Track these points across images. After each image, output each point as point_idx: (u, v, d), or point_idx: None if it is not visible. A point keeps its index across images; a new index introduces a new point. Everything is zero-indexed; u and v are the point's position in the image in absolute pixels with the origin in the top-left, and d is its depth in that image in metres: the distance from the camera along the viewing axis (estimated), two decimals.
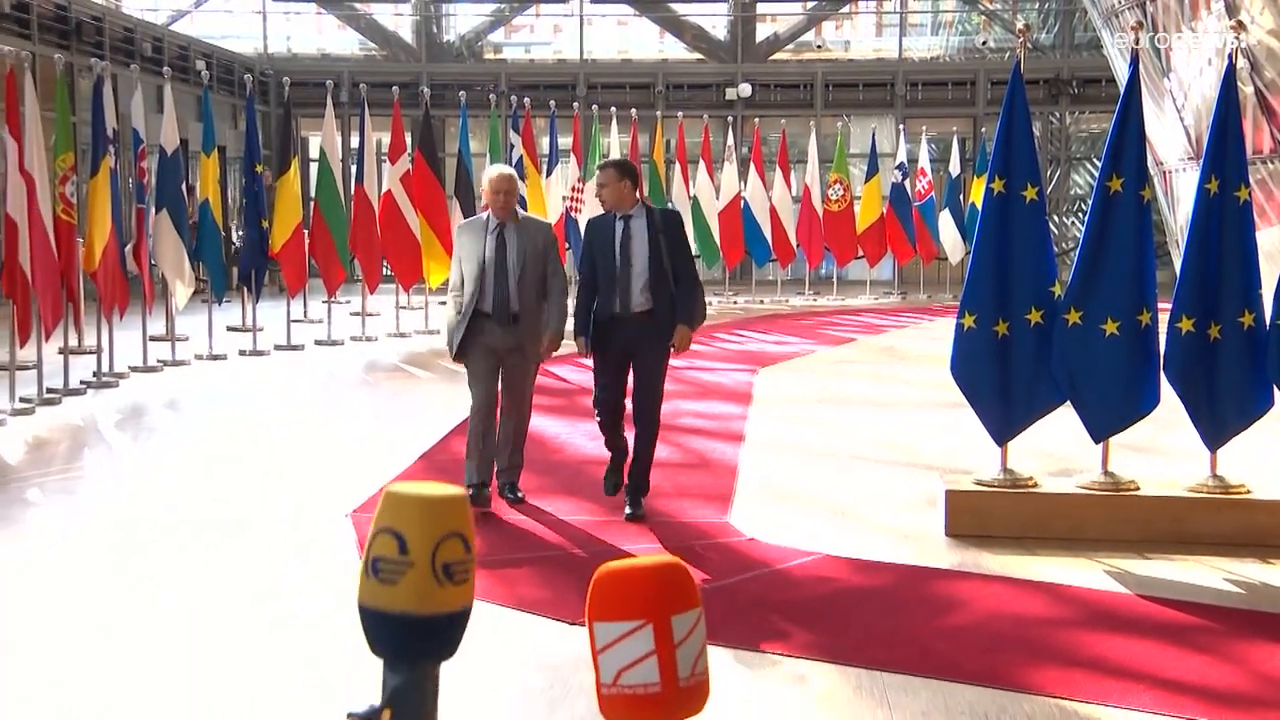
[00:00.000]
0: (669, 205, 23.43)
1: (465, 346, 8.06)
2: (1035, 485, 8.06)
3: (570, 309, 8.20)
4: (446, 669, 2.48)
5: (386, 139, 18.06)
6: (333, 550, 7.50)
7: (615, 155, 21.96)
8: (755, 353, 17.07)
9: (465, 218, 18.52)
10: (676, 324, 7.89)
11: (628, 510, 8.02)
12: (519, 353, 8.12)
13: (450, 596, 3.03)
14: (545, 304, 8.14)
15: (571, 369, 13.88)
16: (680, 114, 24.53)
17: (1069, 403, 7.97)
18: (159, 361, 15.18)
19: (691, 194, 23.37)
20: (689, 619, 3.10)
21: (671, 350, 7.98)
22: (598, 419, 8.20)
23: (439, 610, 3.00)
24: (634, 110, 24.04)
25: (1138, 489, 7.99)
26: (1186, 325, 7.89)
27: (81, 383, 13.40)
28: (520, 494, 8.39)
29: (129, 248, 14.58)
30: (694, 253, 8.37)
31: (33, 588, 6.86)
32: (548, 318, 8.14)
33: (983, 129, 29.22)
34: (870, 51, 33.61)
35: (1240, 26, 9.41)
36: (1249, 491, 7.91)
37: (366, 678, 5.03)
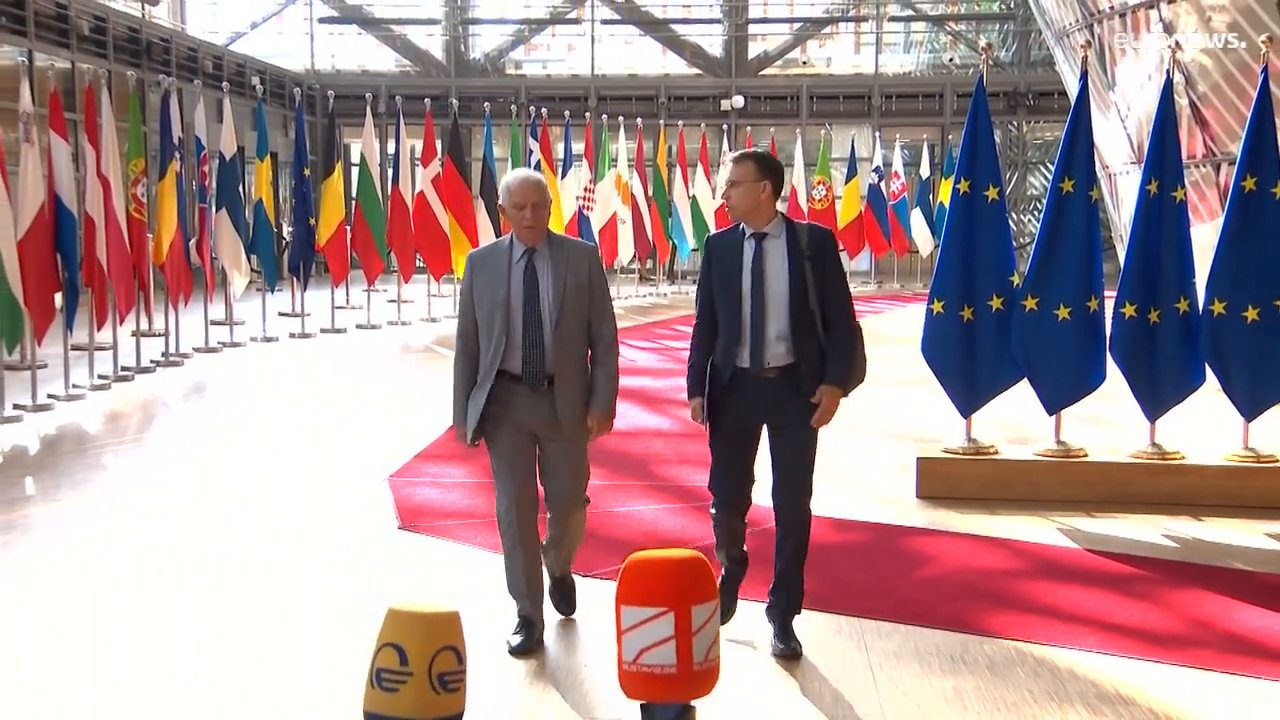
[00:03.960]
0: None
1: (486, 423, 5.16)
2: (996, 453, 8.07)
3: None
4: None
5: (419, 145, 18.03)
6: (373, 507, 7.51)
7: (623, 159, 21.92)
8: None
9: (490, 217, 18.77)
10: (819, 377, 5.12)
11: (778, 646, 5.19)
12: (559, 427, 5.17)
13: (445, 703, 3.07)
14: (593, 365, 5.24)
15: None
16: (680, 123, 24.44)
17: (1026, 379, 7.97)
18: (219, 343, 15.21)
19: (691, 194, 23.40)
20: (706, 609, 3.11)
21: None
22: (713, 511, 5.38)
23: (435, 715, 3.03)
24: (639, 119, 24.03)
25: (1086, 455, 8.00)
26: (1130, 310, 7.89)
27: (151, 362, 13.43)
28: (574, 609, 5.60)
29: (192, 242, 14.61)
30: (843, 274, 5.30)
31: (103, 541, 6.88)
32: (595, 386, 5.21)
33: (949, 136, 29.12)
34: (849, 67, 33.47)
35: (1177, 46, 9.39)
36: (1184, 457, 7.93)
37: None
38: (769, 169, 5.15)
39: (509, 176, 5.24)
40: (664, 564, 3.10)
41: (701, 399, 5.23)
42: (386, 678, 2.87)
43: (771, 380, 5.12)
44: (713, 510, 5.40)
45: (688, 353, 5.30)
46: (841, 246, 26.85)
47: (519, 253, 5.17)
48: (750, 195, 5.12)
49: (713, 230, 23.52)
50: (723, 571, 5.42)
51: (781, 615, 5.26)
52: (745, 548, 5.47)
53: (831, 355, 5.15)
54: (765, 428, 5.22)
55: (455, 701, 2.98)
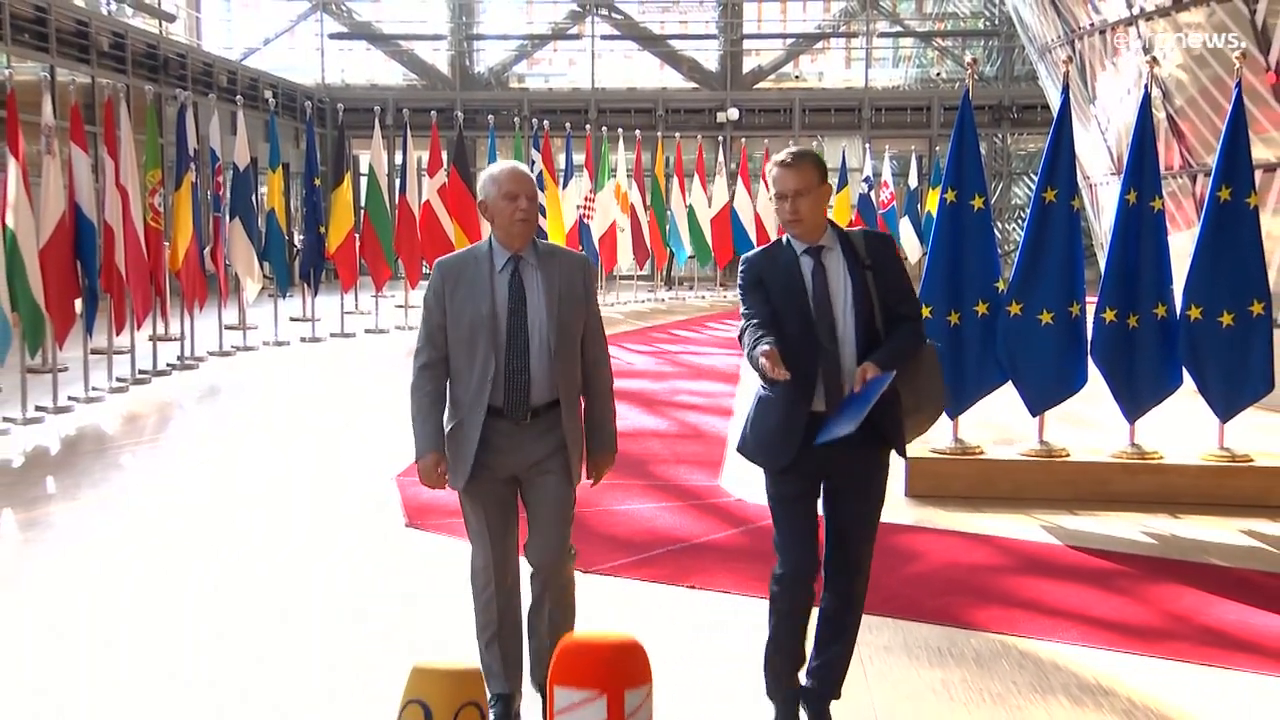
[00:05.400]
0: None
1: (463, 469, 4.18)
2: (982, 452, 8.07)
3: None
4: None
5: (425, 156, 18.03)
6: (380, 506, 7.51)
7: (622, 169, 21.91)
8: None
9: None
10: (903, 418, 4.15)
11: None
12: (546, 469, 4.20)
13: None
14: (587, 394, 4.33)
15: None
16: (678, 134, 24.43)
17: (1010, 382, 7.98)
18: (232, 347, 15.21)
19: (688, 203, 23.39)
20: (640, 694, 3.05)
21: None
22: (774, 587, 4.16)
23: None
24: (638, 131, 24.05)
25: (1068, 455, 8.00)
26: (1110, 316, 7.90)
27: (167, 365, 13.42)
28: None
29: (207, 250, 14.59)
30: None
31: (119, 539, 6.88)
32: (595, 422, 4.33)
33: (937, 147, 29.11)
34: (840, 81, 33.48)
35: (1154, 62, 9.40)
36: (1162, 457, 7.94)
37: (401, 611, 5.01)
38: (824, 170, 4.14)
39: (492, 168, 4.31)
40: (596, 647, 3.07)
41: (769, 342, 3.92)
42: None
43: None
44: (774, 584, 4.14)
45: (745, 334, 4.13)
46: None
47: (502, 260, 4.19)
48: (819, 204, 4.05)
49: (709, 239, 23.84)
50: (778, 683, 4.21)
51: (816, 702, 4.21)
52: (800, 640, 4.18)
53: (906, 379, 4.04)
54: (828, 479, 4.14)
55: None
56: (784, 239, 4.14)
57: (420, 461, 4.24)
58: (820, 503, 4.17)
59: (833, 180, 25.37)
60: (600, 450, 4.35)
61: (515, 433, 4.15)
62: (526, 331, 4.13)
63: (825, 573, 4.18)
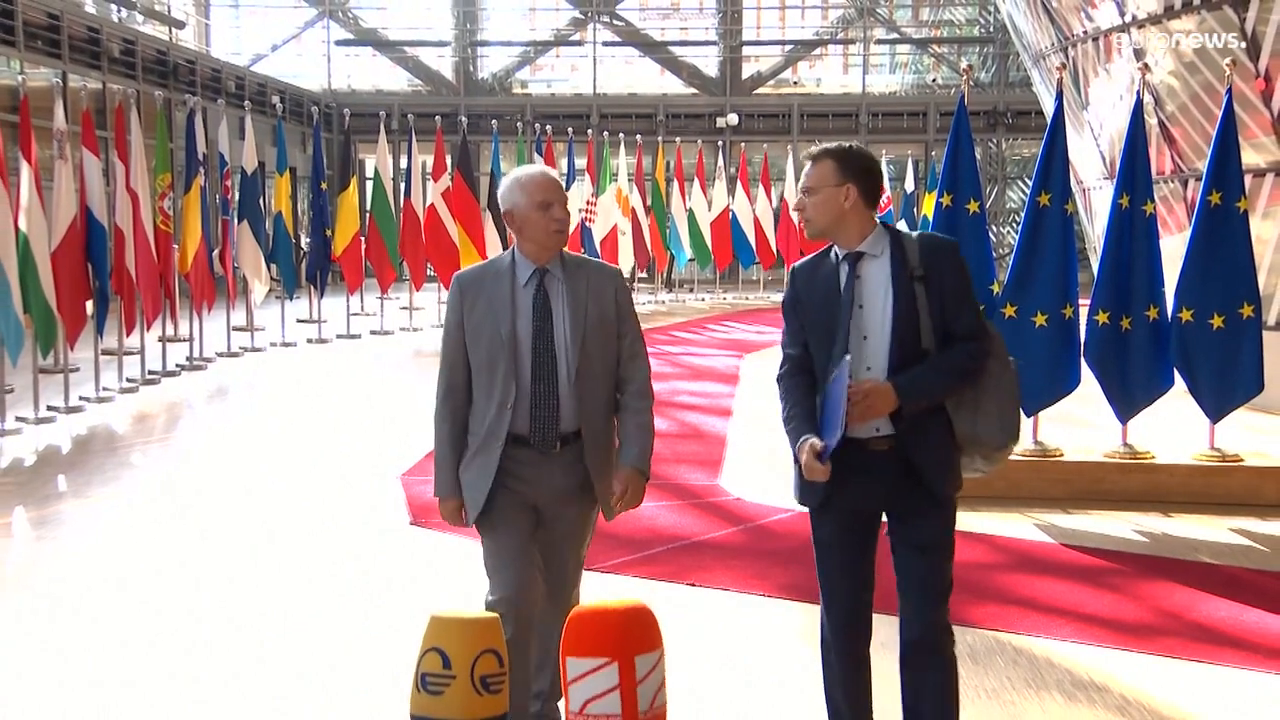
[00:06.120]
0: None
1: (486, 500, 3.73)
2: None
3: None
4: None
5: (430, 161, 18.03)
6: (386, 504, 7.52)
7: (623, 173, 21.91)
8: (741, 341, 17.02)
9: (498, 227, 18.76)
10: (949, 455, 3.54)
11: None
12: (571, 503, 3.81)
13: (488, 704, 3.04)
14: (621, 414, 3.84)
15: None
16: (678, 139, 24.44)
17: None
18: (240, 348, 15.22)
19: (688, 207, 23.40)
20: (651, 659, 3.03)
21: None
22: (824, 637, 3.69)
23: (478, 716, 3.01)
24: (639, 136, 24.03)
25: (1062, 455, 8.00)
26: (1103, 318, 7.90)
27: (177, 366, 13.44)
28: None
29: (216, 252, 14.60)
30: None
31: (128, 537, 6.89)
32: (626, 437, 3.83)
33: (933, 152, 29.12)
34: (838, 87, 33.49)
35: (1146, 68, 9.40)
36: (1154, 457, 7.94)
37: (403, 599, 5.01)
38: (854, 168, 3.54)
39: (518, 174, 3.79)
40: (607, 615, 3.06)
41: (812, 438, 3.47)
42: (431, 681, 2.87)
43: (877, 458, 3.50)
44: (825, 634, 3.66)
45: (782, 410, 3.64)
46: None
47: (526, 274, 3.74)
48: (830, 205, 3.53)
49: (709, 242, 23.85)
50: None
51: None
52: (865, 701, 3.68)
53: (960, 413, 3.52)
54: (880, 520, 3.63)
55: (498, 703, 2.98)
56: (832, 245, 3.62)
57: (441, 505, 3.86)
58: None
59: None
60: (624, 467, 3.77)
61: (541, 464, 3.70)
62: (554, 352, 3.70)
63: (903, 635, 3.59)
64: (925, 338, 3.47)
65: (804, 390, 3.58)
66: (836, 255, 3.58)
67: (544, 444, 3.71)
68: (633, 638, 3.00)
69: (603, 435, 3.78)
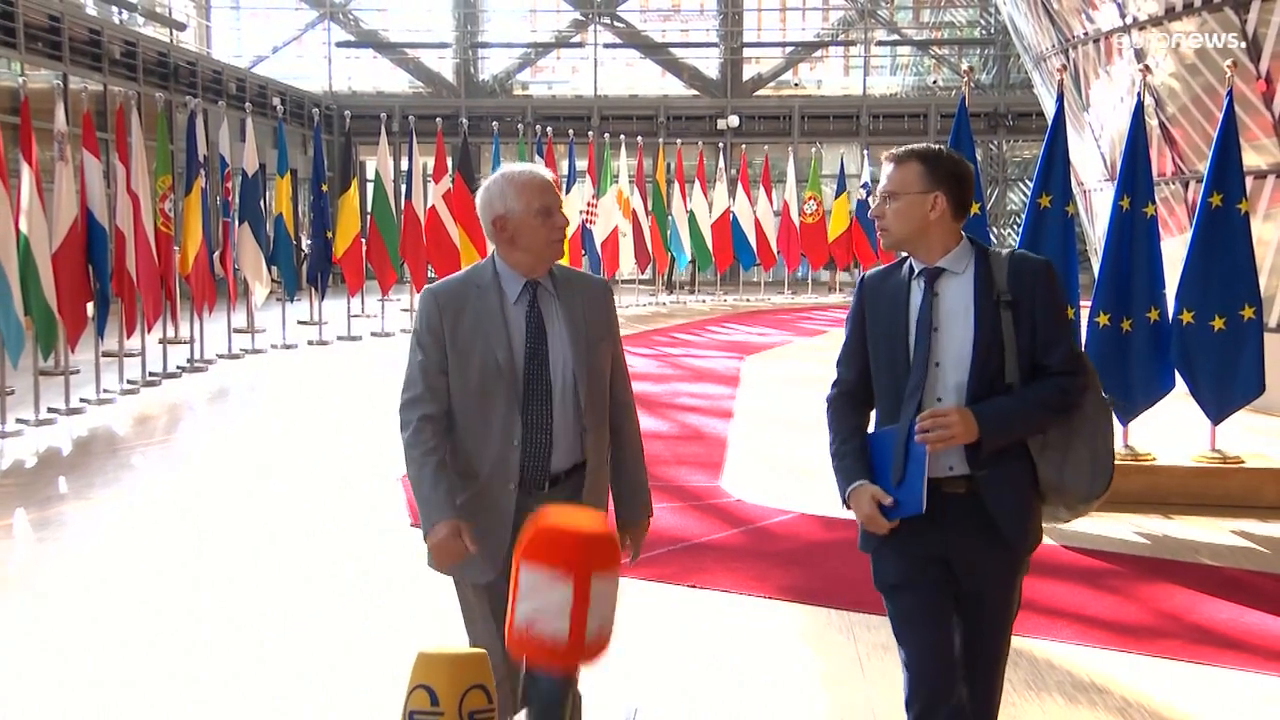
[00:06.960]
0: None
1: (492, 561, 3.24)
2: None
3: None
4: None
5: (431, 163, 18.05)
6: (385, 506, 7.51)
7: (624, 175, 21.93)
8: (742, 342, 17.04)
9: None
10: (1031, 504, 3.16)
11: None
12: None
13: None
14: (615, 447, 3.42)
15: None
16: (679, 141, 24.45)
17: None
18: (241, 350, 15.23)
19: (689, 208, 23.42)
20: (607, 582, 2.92)
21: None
22: (906, 698, 3.14)
23: None
24: (640, 138, 24.03)
25: None
26: (1104, 319, 7.90)
27: (177, 367, 13.45)
28: None
29: (216, 254, 14.62)
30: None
31: (128, 539, 6.89)
32: (627, 483, 3.46)
33: None
34: (839, 89, 33.51)
35: (1147, 70, 9.41)
36: (1154, 459, 7.94)
37: (403, 598, 5.01)
38: (944, 173, 3.13)
39: (509, 174, 3.27)
40: (572, 531, 3.00)
41: (870, 485, 3.08)
42: (419, 718, 2.88)
43: (958, 497, 3.07)
44: (913, 713, 3.11)
45: (830, 440, 3.24)
46: (831, 258, 24.59)
47: (515, 289, 3.25)
48: (913, 213, 3.11)
49: (710, 244, 23.86)
50: None
51: None
52: None
53: (1045, 455, 3.11)
54: (950, 573, 3.14)
55: None
56: (905, 258, 3.22)
57: (433, 537, 3.19)
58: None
59: (832, 186, 25.72)
60: (635, 519, 3.44)
61: (525, 504, 3.16)
62: (548, 378, 3.21)
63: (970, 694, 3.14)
64: (1010, 372, 3.04)
65: (855, 423, 3.22)
66: (912, 268, 3.16)
67: (535, 481, 3.22)
68: (594, 555, 2.92)
69: (604, 467, 3.36)
